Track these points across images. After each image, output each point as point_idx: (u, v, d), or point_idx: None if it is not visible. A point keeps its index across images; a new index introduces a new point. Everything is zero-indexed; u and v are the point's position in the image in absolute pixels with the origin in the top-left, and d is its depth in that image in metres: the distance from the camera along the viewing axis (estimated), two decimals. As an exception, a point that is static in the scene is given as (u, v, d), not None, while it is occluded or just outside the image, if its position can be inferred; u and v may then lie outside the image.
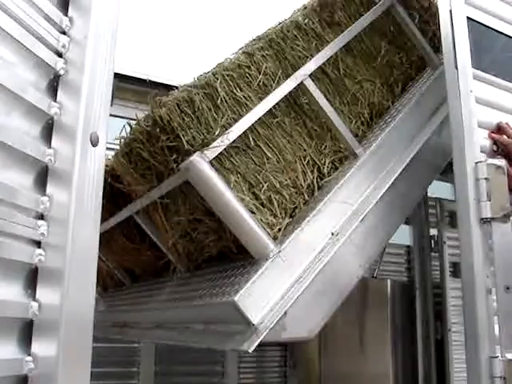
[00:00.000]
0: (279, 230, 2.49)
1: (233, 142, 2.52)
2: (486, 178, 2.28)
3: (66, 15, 1.40)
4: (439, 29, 2.69)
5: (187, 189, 2.58)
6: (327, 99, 2.87)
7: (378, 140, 2.86)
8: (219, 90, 2.62)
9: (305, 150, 2.79)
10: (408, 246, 6.55)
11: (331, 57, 3.06)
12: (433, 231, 6.19)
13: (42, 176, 1.33)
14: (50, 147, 1.33)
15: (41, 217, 1.31)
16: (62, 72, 1.36)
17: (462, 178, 2.32)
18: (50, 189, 1.32)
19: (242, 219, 2.35)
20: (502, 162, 2.36)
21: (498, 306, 2.22)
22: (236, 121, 2.57)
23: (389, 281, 5.23)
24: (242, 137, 2.58)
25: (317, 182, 2.76)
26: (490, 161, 2.35)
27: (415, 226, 6.27)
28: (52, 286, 1.27)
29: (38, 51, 1.30)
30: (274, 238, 2.40)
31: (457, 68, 2.42)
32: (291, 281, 2.32)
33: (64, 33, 1.38)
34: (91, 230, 1.31)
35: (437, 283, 5.87)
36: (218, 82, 2.63)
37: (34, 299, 1.27)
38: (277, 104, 2.73)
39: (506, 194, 2.29)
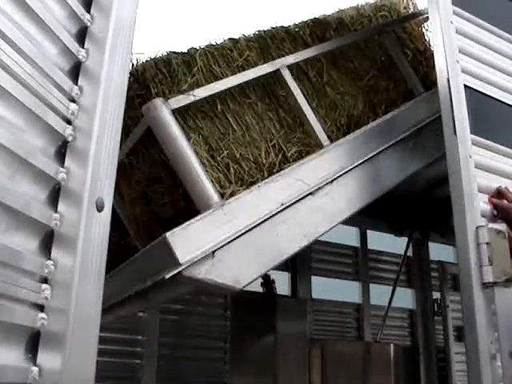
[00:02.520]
0: (231, 194, 2.56)
1: (201, 106, 2.69)
2: (487, 243, 2.29)
3: (76, 84, 1.45)
4: (433, 70, 2.79)
5: (149, 142, 2.69)
6: (305, 97, 3.02)
7: (346, 138, 3.01)
8: (197, 59, 2.83)
9: (273, 134, 2.92)
10: (411, 310, 6.49)
11: (315, 64, 3.28)
12: (436, 295, 6.14)
13: (48, 240, 1.34)
14: (56, 212, 1.35)
15: (45, 280, 1.31)
16: (70, 138, 1.39)
17: (464, 242, 2.33)
18: (54, 253, 1.33)
19: (192, 166, 2.43)
20: (502, 227, 2.37)
21: (503, 372, 2.19)
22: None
23: (392, 345, 5.15)
24: (211, 103, 2.75)
25: (279, 164, 2.85)
26: (491, 225, 2.37)
27: (418, 289, 6.23)
28: (53, 351, 1.26)
29: (48, 118, 1.34)
30: (222, 196, 2.48)
31: (456, 134, 2.47)
32: (229, 233, 2.34)
33: (73, 101, 1.43)
34: (94, 294, 1.31)
35: (441, 347, 5.79)
36: (198, 53, 2.85)
37: (35, 364, 1.26)
38: (252, 88, 2.93)
39: (507, 259, 2.29)
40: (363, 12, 3.87)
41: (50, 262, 1.32)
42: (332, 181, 2.73)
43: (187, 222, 2.25)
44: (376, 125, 3.18)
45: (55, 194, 1.38)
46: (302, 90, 3.04)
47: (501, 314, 2.26)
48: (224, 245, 2.28)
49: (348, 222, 6.03)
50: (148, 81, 2.68)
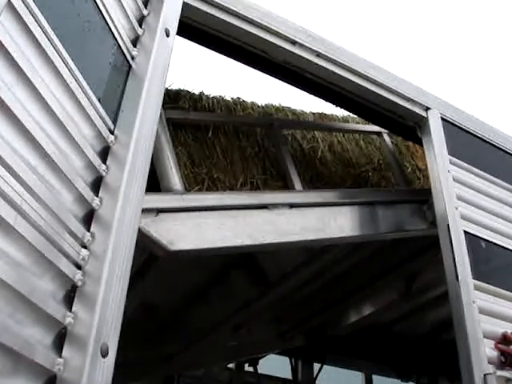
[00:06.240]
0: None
1: (194, 131, 3.02)
2: (496, 391, 2.23)
3: (89, 230, 1.51)
4: (428, 186, 2.96)
5: None
6: (292, 159, 3.28)
7: (319, 190, 3.28)
8: (203, 100, 3.24)
9: (254, 176, 3.16)
10: None
11: (311, 141, 3.61)
12: None
13: (50, 385, 1.32)
14: (60, 356, 1.35)
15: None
16: (79, 283, 1.42)
17: (472, 391, 2.26)
18: (56, 398, 1.31)
19: (166, 155, 2.61)
20: (511, 374, 2.32)
21: None
22: None
23: None
24: (203, 131, 3.06)
25: None
26: (499, 373, 2.32)
27: None
28: None
29: (60, 263, 1.38)
30: (186, 189, 2.66)
31: (458, 280, 2.49)
32: (179, 207, 2.48)
33: (85, 246, 1.48)
34: None
35: None
36: (206, 96, 3.28)
37: None
38: (246, 135, 3.26)
39: (519, 408, 2.22)
40: None
41: (50, 410, 1.29)
42: (291, 207, 2.84)
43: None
44: (351, 190, 3.42)
45: (61, 337, 1.38)
46: (292, 154, 3.32)
47: None
48: (170, 211, 2.44)
49: (353, 366, 5.92)
50: None
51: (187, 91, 3.26)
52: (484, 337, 2.44)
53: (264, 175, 3.23)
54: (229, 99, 3.43)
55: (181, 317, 4.29)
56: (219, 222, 2.59)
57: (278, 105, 3.68)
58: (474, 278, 2.55)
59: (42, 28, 1.40)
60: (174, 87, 3.24)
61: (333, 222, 2.97)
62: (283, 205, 2.82)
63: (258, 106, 3.54)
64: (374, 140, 4.04)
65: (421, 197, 3.31)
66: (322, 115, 3.88)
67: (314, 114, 3.85)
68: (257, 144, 3.33)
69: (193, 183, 2.89)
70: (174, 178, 2.60)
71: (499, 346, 2.47)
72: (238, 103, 3.43)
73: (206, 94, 3.33)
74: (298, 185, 3.19)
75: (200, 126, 3.09)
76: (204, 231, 2.54)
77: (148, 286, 3.17)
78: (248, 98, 3.59)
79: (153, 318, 4.22)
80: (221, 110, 3.30)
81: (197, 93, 3.31)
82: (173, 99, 3.13)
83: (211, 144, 3.09)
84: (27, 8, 1.34)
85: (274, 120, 3.43)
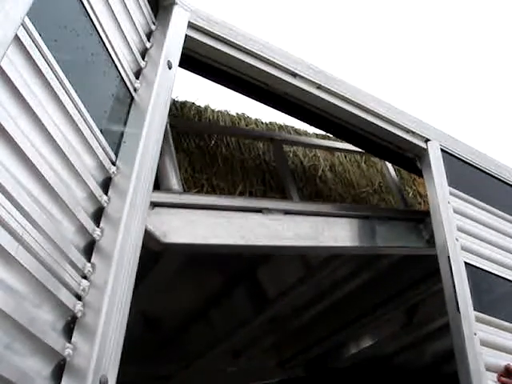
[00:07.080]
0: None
1: (197, 140, 3.12)
2: (500, 425, 2.21)
3: (89, 261, 1.51)
4: (428, 210, 2.98)
5: None
6: (293, 175, 3.37)
7: (316, 202, 3.33)
8: (208, 113, 3.38)
9: (253, 186, 3.25)
10: None
11: (312, 160, 3.69)
12: None
13: (49, 419, 1.31)
14: (59, 388, 1.34)
15: None
16: (79, 314, 1.42)
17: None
18: None
19: (167, 159, 2.63)
20: (516, 408, 2.29)
21: None
22: None
23: None
24: (206, 140, 3.17)
25: None
26: (504, 406, 2.29)
27: None
28: None
29: (60, 294, 1.38)
30: (184, 191, 2.70)
31: (459, 311, 2.47)
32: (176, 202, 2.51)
33: (85, 277, 1.48)
34: None
35: None
36: (210, 109, 3.41)
37: None
38: (248, 149, 3.36)
39: None
40: None
41: None
42: (286, 213, 2.86)
43: None
44: (348, 204, 3.48)
45: (59, 369, 1.36)
46: (292, 170, 3.41)
47: None
48: (166, 206, 2.46)
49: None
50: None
51: (193, 103, 3.38)
52: (486, 369, 2.42)
53: (263, 186, 3.32)
54: (233, 114, 3.56)
55: (180, 334, 4.27)
56: (213, 221, 2.64)
57: (281, 123, 3.77)
58: (475, 310, 2.54)
59: (47, 60, 1.42)
60: (181, 99, 3.37)
61: (327, 231, 3.00)
62: (278, 211, 2.86)
63: (262, 123, 3.65)
64: (375, 163, 4.09)
65: (417, 216, 3.34)
66: (326, 137, 3.94)
67: (317, 135, 3.91)
68: (258, 158, 3.43)
69: (192, 187, 2.99)
70: (173, 181, 2.65)
71: (502, 378, 2.45)
72: (243, 118, 3.56)
73: (211, 107, 3.46)
74: (296, 198, 3.27)
75: (203, 136, 3.20)
76: (198, 228, 2.58)
77: (146, 298, 3.15)
78: (253, 114, 3.72)
79: (153, 333, 4.19)
80: (225, 124, 3.41)
81: (202, 105, 3.44)
82: (179, 109, 3.25)
83: (213, 153, 3.20)
84: (33, 41, 1.36)
85: (275, 135, 3.49)
